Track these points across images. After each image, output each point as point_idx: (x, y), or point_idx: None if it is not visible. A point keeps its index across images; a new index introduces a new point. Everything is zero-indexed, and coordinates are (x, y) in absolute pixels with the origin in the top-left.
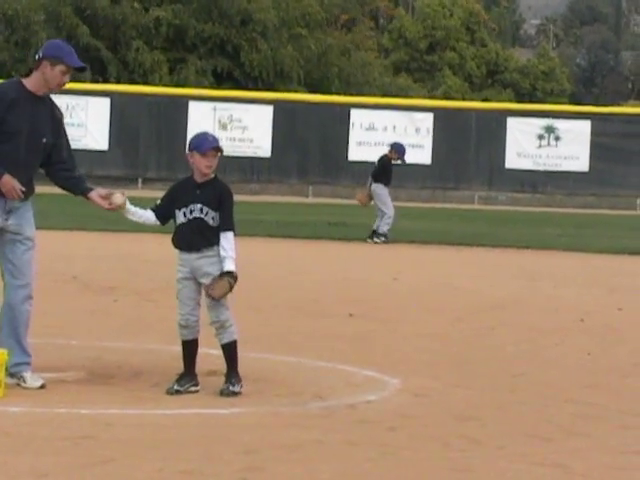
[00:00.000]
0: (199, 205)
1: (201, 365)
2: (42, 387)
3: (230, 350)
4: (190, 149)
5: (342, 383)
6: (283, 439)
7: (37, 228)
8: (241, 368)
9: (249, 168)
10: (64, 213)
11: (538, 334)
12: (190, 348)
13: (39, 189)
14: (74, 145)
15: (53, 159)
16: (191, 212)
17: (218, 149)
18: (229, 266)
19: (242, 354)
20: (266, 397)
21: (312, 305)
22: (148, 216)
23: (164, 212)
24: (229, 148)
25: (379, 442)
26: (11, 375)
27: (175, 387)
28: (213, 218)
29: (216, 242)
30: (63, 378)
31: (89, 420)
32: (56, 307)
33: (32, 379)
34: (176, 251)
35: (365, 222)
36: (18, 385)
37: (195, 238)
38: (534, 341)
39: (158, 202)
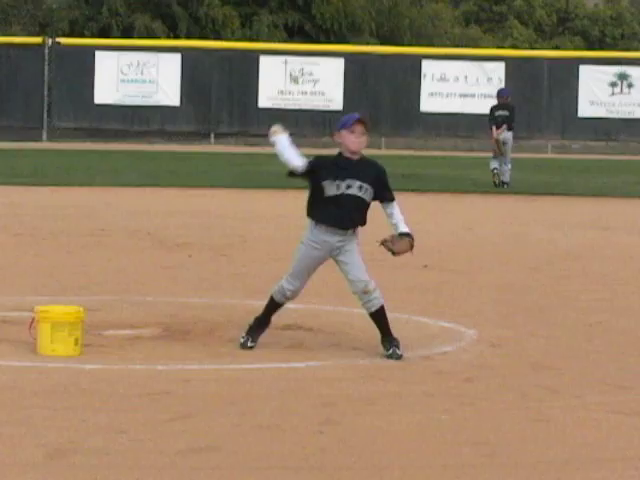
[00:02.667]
0: (358, 182)
1: (277, 319)
2: None
3: (380, 316)
4: (338, 129)
5: (418, 334)
6: (360, 392)
7: (110, 185)
8: (317, 321)
9: (321, 121)
10: (137, 169)
11: (614, 282)
12: (277, 309)
13: (111, 147)
14: (146, 101)
15: None
16: (348, 187)
17: (363, 122)
18: (404, 228)
19: (318, 307)
20: (343, 350)
21: (387, 257)
22: (294, 155)
23: (312, 168)
24: (301, 101)
25: (456, 393)
26: None
27: (249, 342)
28: (368, 195)
29: (362, 223)
30: (139, 334)
31: (166, 376)
32: (131, 264)
33: None
34: (311, 223)
35: (438, 173)
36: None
37: (351, 215)
38: (610, 289)
39: (312, 159)
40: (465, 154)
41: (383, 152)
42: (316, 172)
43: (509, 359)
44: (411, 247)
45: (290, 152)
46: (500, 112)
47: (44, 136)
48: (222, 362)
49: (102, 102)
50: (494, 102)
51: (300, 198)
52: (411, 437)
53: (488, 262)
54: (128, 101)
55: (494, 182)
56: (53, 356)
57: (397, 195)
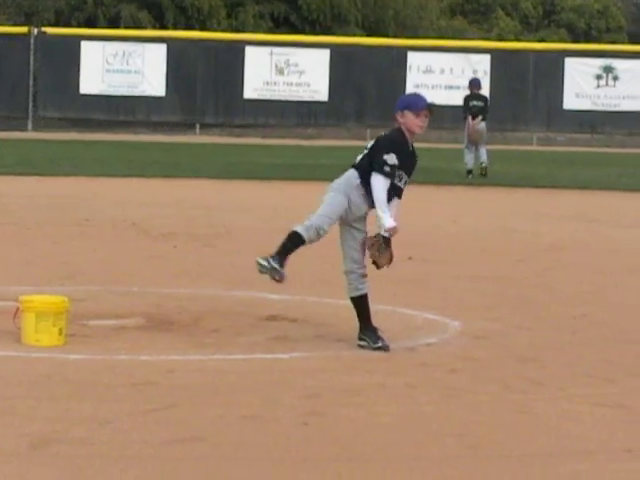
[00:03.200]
0: (405, 176)
1: (261, 310)
2: None
3: (358, 307)
4: (401, 108)
5: (402, 326)
6: (344, 383)
7: (96, 175)
8: (302, 312)
9: (306, 112)
10: (122, 160)
11: (599, 275)
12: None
13: (96, 137)
14: (132, 92)
15: None
16: (400, 179)
17: (431, 109)
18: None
19: (303, 298)
20: (327, 341)
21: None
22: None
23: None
24: (286, 93)
25: (440, 385)
26: None
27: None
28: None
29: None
30: (124, 325)
31: (150, 366)
32: (116, 254)
33: None
34: (357, 181)
35: (423, 164)
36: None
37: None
38: (595, 282)
39: (395, 162)
40: (450, 146)
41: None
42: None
43: (493, 351)
44: (390, 261)
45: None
46: (475, 102)
47: (29, 126)
48: (206, 353)
49: (88, 92)
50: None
51: (285, 189)
52: (395, 428)
53: (473, 254)
54: (113, 91)
55: (469, 172)
56: (37, 346)
57: None
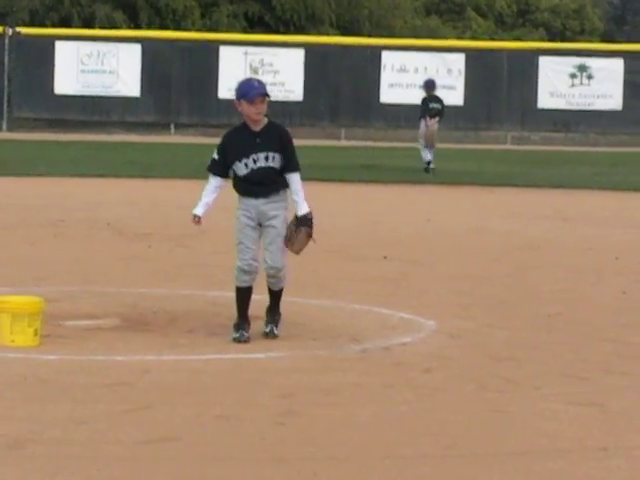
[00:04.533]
0: (263, 154)
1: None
2: None
3: (279, 296)
4: (237, 98)
5: (377, 326)
6: (319, 383)
7: (69, 175)
8: (285, 315)
9: (281, 112)
10: (97, 160)
11: (573, 274)
12: (247, 294)
13: (71, 137)
14: (106, 92)
15: None
16: (254, 162)
17: (265, 94)
18: (304, 208)
19: None
20: (302, 341)
21: (346, 248)
22: (215, 191)
23: (224, 168)
24: None
25: (415, 384)
26: None
27: (244, 335)
28: (279, 162)
29: (283, 186)
30: (99, 325)
31: (126, 367)
32: (90, 254)
33: None
34: (237, 196)
35: (398, 164)
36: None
37: (264, 186)
38: (569, 281)
39: (215, 157)
40: None
41: (343, 143)
42: (225, 162)
43: (468, 350)
44: (309, 237)
45: (212, 199)
46: (434, 104)
47: (4, 126)
48: (181, 353)
49: (62, 92)
50: (455, 93)
51: None
52: (371, 428)
53: (448, 253)
54: (88, 91)
55: (427, 170)
56: (12, 346)
57: (356, 186)
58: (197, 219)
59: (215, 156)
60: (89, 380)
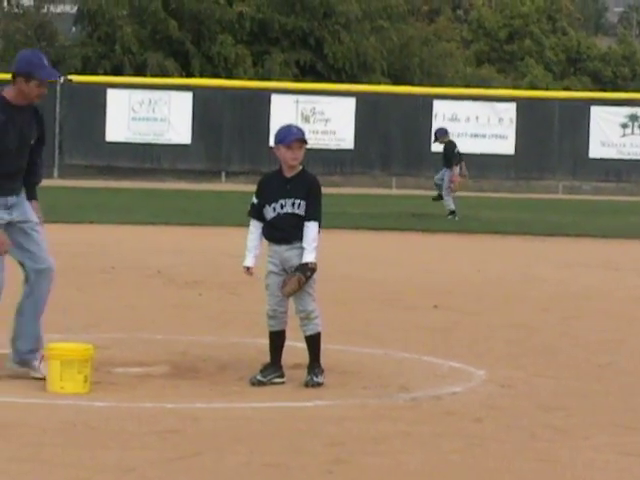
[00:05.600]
0: (291, 200)
1: (286, 358)
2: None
3: (314, 342)
4: (275, 142)
5: (428, 375)
6: (369, 431)
7: (120, 222)
8: (326, 360)
9: (332, 160)
10: (148, 207)
11: (623, 323)
12: (277, 339)
13: (122, 184)
14: (158, 139)
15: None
16: (282, 207)
17: (303, 140)
18: (307, 257)
19: (327, 346)
20: (352, 389)
21: (396, 297)
22: (260, 237)
23: (262, 212)
24: (312, 141)
25: (465, 433)
26: (22, 363)
27: (258, 377)
28: (304, 210)
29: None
30: (149, 372)
31: (175, 414)
32: (141, 301)
33: (41, 369)
34: (266, 243)
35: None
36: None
37: (287, 231)
38: (620, 330)
39: (254, 201)
40: (475, 194)
41: (394, 192)
42: (260, 206)
43: (518, 400)
44: (299, 285)
45: (259, 241)
46: (459, 151)
47: (55, 173)
48: (231, 400)
49: (113, 140)
50: (506, 142)
51: None
52: (420, 477)
53: (497, 302)
54: (139, 139)
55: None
56: (62, 393)
57: (407, 235)
58: (249, 271)
59: (254, 200)
60: (138, 427)
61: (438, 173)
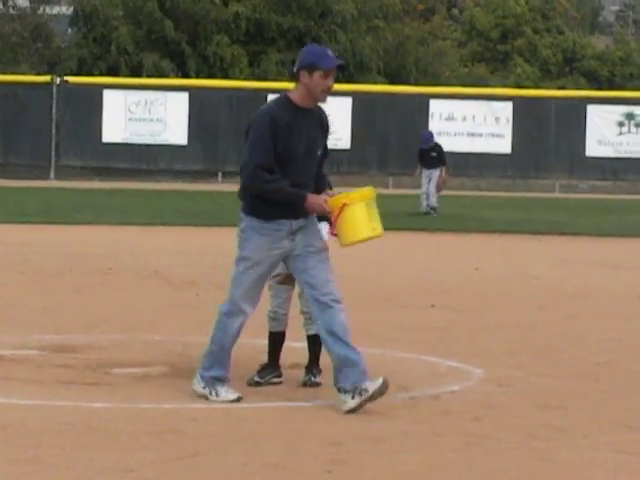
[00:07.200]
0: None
1: (284, 358)
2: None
3: (316, 342)
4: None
5: (426, 374)
6: (367, 431)
7: (117, 223)
8: (325, 361)
9: (329, 160)
10: (145, 208)
11: (621, 322)
12: (276, 339)
13: (119, 185)
14: (153, 140)
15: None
16: None
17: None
18: None
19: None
20: None
21: (394, 296)
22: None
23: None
24: None
25: (464, 432)
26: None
27: (255, 378)
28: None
29: None
30: (147, 373)
31: (174, 415)
32: (138, 302)
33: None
34: None
35: (445, 212)
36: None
37: None
38: (617, 329)
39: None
40: (472, 193)
41: (391, 191)
42: None
43: (516, 398)
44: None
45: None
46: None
47: (52, 174)
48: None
49: (110, 141)
50: (503, 141)
51: None
52: (419, 476)
53: (495, 301)
54: (136, 140)
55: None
56: (374, 237)
57: (404, 235)
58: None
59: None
60: (137, 428)
61: (423, 186)
